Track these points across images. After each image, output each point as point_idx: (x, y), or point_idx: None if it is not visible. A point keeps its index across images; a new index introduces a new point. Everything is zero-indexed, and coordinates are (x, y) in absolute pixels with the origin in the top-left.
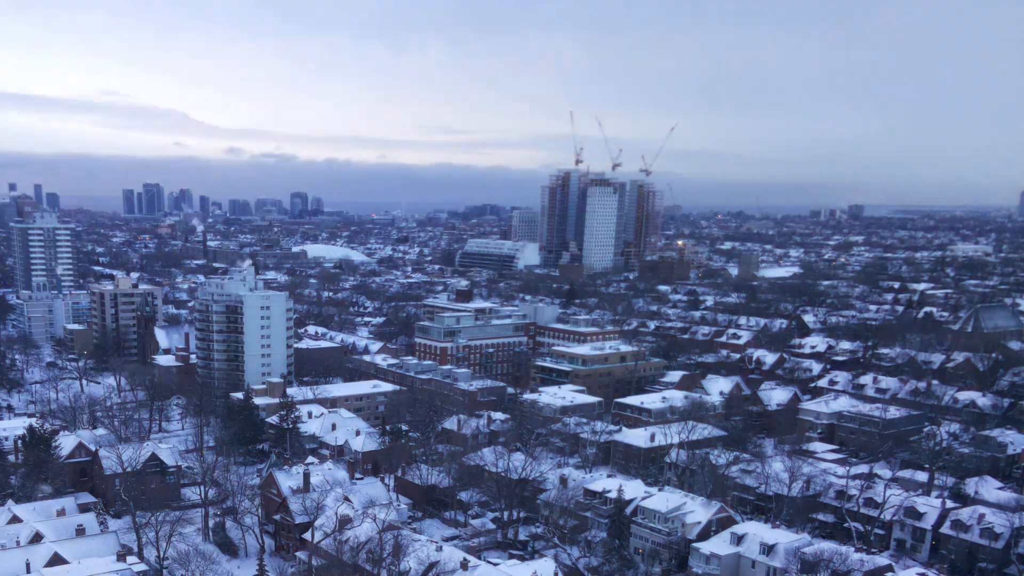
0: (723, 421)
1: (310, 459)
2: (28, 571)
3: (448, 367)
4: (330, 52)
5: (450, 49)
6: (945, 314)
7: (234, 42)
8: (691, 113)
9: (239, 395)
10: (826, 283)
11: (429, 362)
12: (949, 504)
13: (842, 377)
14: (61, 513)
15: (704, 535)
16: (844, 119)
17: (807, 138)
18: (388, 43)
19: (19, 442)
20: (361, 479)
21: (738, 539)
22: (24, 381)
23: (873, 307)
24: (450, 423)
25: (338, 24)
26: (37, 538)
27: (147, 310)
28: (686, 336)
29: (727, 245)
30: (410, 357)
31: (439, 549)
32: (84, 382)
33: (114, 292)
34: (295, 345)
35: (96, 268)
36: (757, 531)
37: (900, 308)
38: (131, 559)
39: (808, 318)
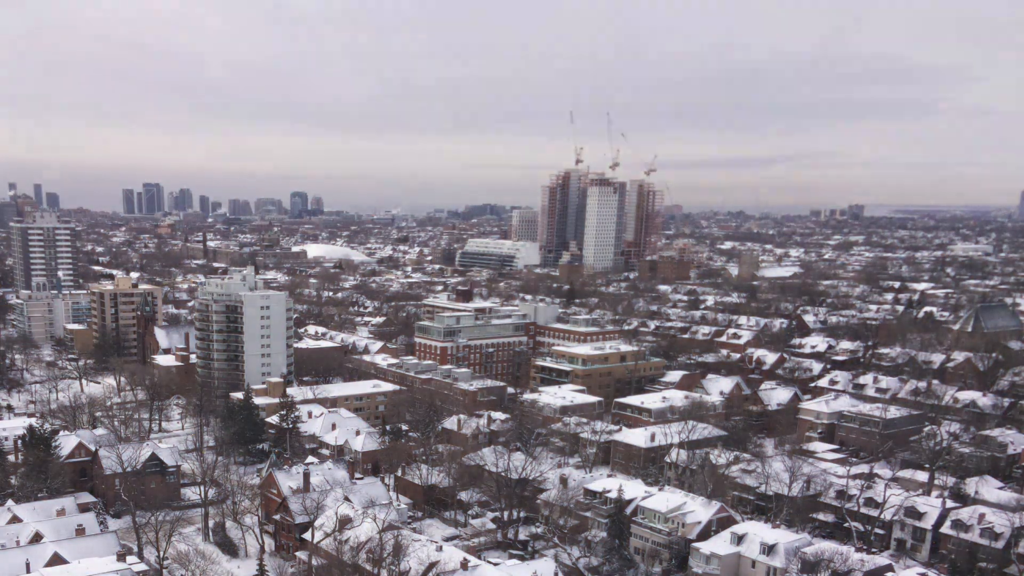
0: (723, 421)
1: (310, 459)
2: (28, 571)
3: (448, 367)
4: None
5: None
6: (945, 314)
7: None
8: (690, 114)
9: (239, 395)
10: (826, 283)
11: (429, 362)
12: (949, 504)
13: (842, 377)
14: (61, 513)
15: (704, 535)
16: (844, 117)
17: (808, 137)
18: None
19: (19, 442)
20: (361, 479)
21: (738, 539)
22: (24, 381)
23: (873, 307)
24: (450, 423)
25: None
26: (37, 538)
27: (147, 310)
28: (686, 336)
29: (727, 245)
30: (410, 357)
31: (439, 549)
32: (84, 382)
33: (114, 292)
34: (295, 345)
35: (96, 268)
36: (757, 531)
37: (900, 308)
38: (131, 559)
39: (808, 318)
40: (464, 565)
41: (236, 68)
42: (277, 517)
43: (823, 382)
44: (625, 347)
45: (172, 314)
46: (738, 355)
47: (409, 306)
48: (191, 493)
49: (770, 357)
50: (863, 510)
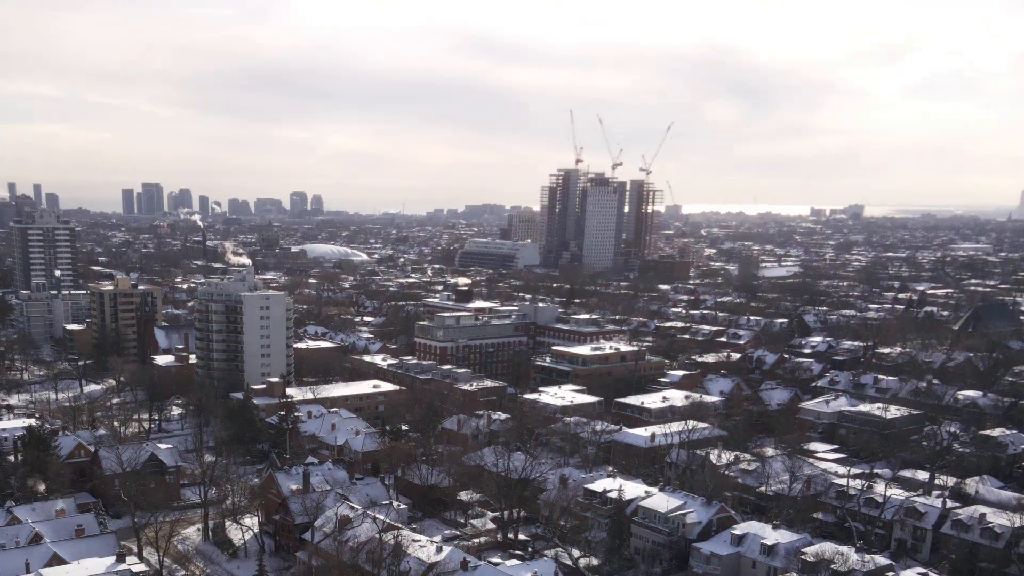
0: (723, 421)
1: (310, 459)
2: (28, 571)
3: (448, 367)
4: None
5: None
6: (945, 314)
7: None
8: (688, 114)
9: (239, 395)
10: (826, 283)
11: (429, 362)
12: (950, 504)
13: (842, 377)
14: (60, 513)
15: (704, 535)
16: (843, 117)
17: (806, 138)
18: None
19: (18, 442)
20: (361, 479)
21: (738, 539)
22: (24, 381)
23: (873, 307)
24: (450, 423)
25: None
26: (37, 538)
27: (146, 310)
28: (686, 336)
29: (727, 245)
30: (410, 357)
31: (439, 549)
32: (83, 382)
33: (113, 292)
34: (295, 345)
35: (95, 268)
36: (757, 531)
37: (900, 308)
38: (131, 559)
39: (808, 318)
40: (464, 565)
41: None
42: (277, 518)
43: (823, 382)
44: (625, 347)
45: (171, 314)
46: (738, 355)
47: (409, 306)
48: (191, 494)
49: (770, 357)
50: (863, 510)
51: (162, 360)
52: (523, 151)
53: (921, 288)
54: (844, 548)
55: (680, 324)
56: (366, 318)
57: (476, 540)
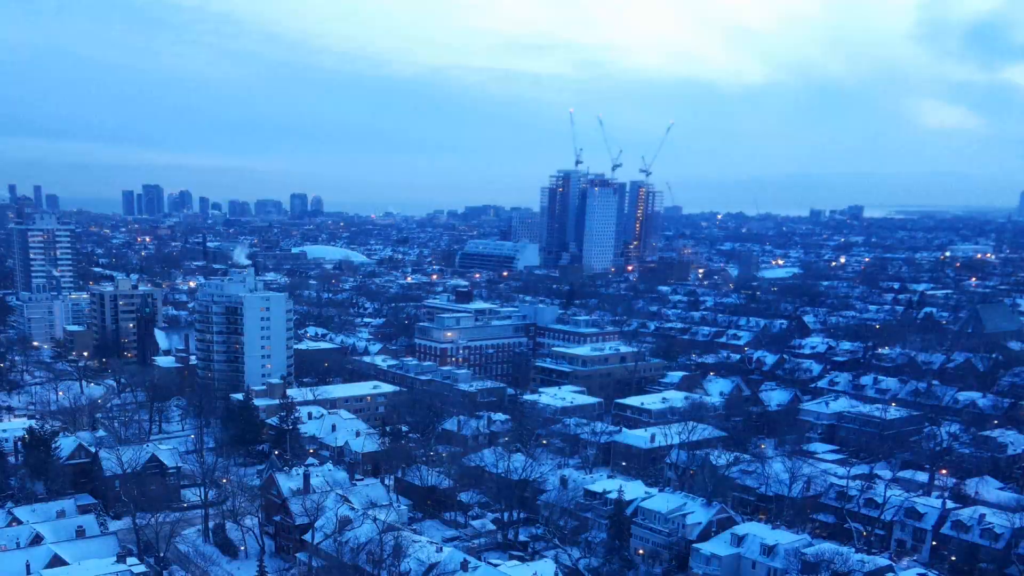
0: (723, 422)
1: (310, 460)
2: (28, 572)
3: (448, 368)
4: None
5: None
6: (945, 314)
7: None
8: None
9: (239, 396)
10: (826, 283)
11: (429, 363)
12: (949, 504)
13: (842, 378)
14: (61, 515)
15: (704, 536)
16: (842, 117)
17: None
18: None
19: (19, 444)
20: (361, 480)
21: (738, 540)
22: (24, 382)
23: (873, 307)
24: (450, 424)
25: None
26: (37, 539)
27: (147, 311)
28: (686, 337)
29: (727, 245)
30: (410, 358)
31: (439, 550)
32: (84, 383)
33: (114, 293)
34: (295, 346)
35: (96, 269)
36: (757, 532)
37: (900, 308)
38: (131, 560)
39: (808, 319)
40: (464, 566)
41: None
42: (277, 518)
43: (823, 383)
44: (625, 348)
45: (172, 315)
46: (738, 356)
47: (409, 307)
48: (191, 494)
49: (770, 358)
50: (863, 511)
51: (162, 361)
52: None
53: (921, 289)
54: (844, 548)
55: (680, 325)
56: (366, 319)
57: (476, 541)
